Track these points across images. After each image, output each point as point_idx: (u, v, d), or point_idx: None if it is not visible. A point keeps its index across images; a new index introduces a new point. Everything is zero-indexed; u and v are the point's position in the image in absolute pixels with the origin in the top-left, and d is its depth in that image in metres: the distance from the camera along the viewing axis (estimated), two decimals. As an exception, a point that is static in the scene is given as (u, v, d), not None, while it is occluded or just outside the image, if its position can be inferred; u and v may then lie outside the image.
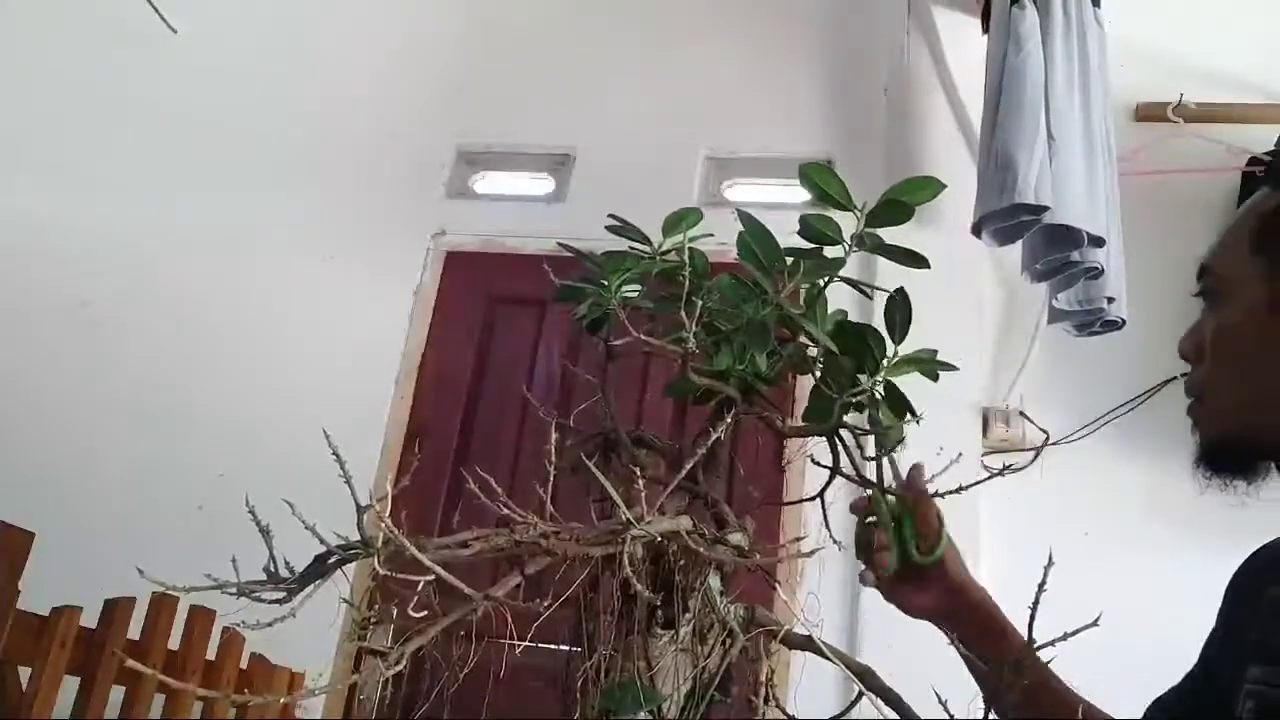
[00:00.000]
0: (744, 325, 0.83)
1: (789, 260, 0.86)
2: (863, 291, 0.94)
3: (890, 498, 0.94)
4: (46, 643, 1.43)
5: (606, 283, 0.82)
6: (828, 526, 0.94)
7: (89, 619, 1.54)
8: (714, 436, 0.78)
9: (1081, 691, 0.94)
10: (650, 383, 2.63)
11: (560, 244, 0.89)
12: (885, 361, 0.86)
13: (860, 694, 0.73)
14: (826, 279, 0.86)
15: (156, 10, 3.28)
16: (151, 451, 2.77)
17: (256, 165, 3.17)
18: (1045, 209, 2.21)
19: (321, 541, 0.58)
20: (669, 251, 0.83)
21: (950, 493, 0.89)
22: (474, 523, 0.69)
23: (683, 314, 0.75)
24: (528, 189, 3.13)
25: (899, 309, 0.88)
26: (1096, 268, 2.29)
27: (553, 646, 0.74)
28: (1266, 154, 2.62)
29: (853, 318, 0.94)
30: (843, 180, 0.83)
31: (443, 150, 3.17)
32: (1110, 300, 2.32)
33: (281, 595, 0.59)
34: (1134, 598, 2.28)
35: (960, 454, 0.94)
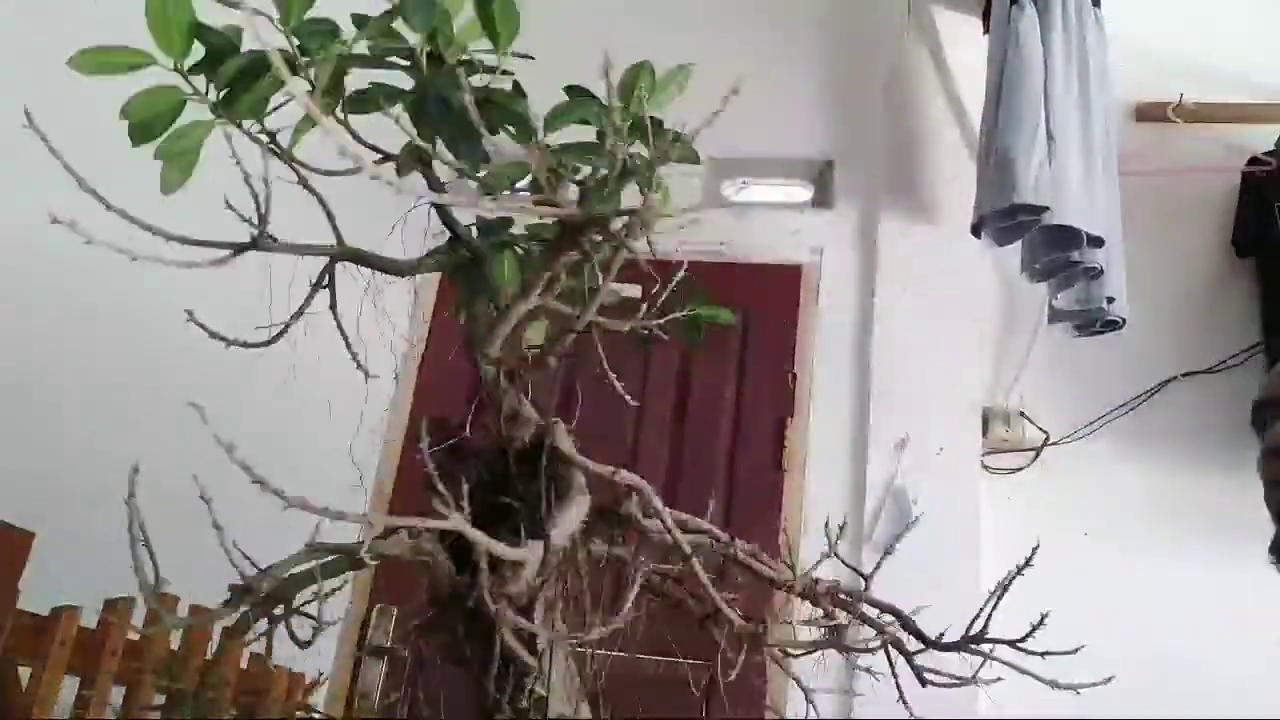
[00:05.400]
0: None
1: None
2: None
3: None
4: (46, 643, 1.43)
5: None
6: None
7: (89, 619, 1.54)
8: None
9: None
10: (650, 382, 2.62)
11: None
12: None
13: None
14: None
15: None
16: (152, 450, 2.77)
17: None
18: (1045, 209, 2.21)
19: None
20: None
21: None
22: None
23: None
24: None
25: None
26: (1096, 267, 2.29)
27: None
28: (1266, 154, 2.62)
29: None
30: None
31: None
32: (1110, 300, 2.32)
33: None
34: (1134, 597, 2.28)
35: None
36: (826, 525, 0.87)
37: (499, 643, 0.55)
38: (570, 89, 0.66)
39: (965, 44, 2.82)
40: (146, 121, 0.69)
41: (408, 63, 0.72)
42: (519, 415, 0.71)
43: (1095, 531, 2.40)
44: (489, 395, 0.73)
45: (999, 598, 0.76)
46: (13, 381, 2.94)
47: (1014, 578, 0.72)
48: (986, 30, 2.66)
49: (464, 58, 0.75)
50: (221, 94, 0.68)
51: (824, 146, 2.95)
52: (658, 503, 0.68)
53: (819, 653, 0.70)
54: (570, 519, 0.63)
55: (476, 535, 0.54)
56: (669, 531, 0.68)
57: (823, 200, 2.90)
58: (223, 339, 0.79)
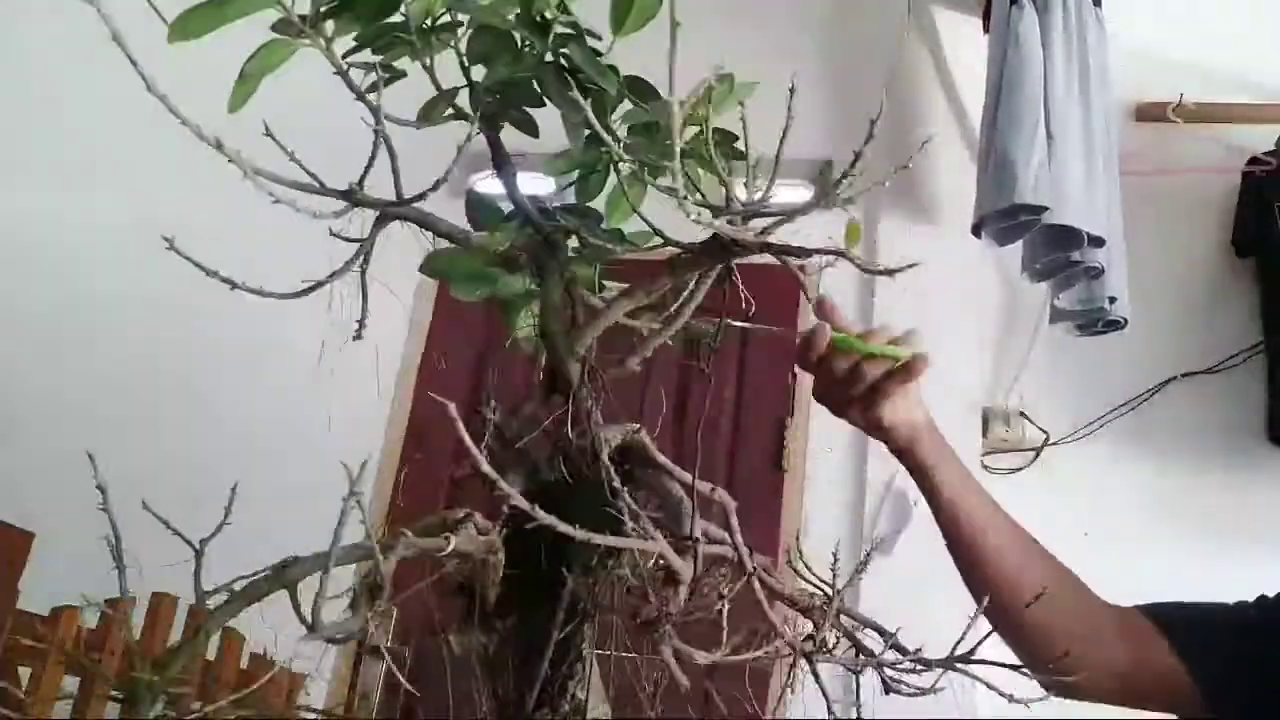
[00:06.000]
0: None
1: None
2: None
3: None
4: (46, 643, 1.43)
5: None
6: None
7: (89, 619, 1.54)
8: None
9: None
10: (650, 382, 2.62)
11: None
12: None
13: None
14: None
15: (156, 11, 3.27)
16: (151, 450, 2.77)
17: (255, 163, 3.17)
18: (1045, 209, 2.21)
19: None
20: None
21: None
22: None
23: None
24: (526, 188, 3.13)
25: None
26: (1097, 267, 2.29)
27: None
28: (1266, 154, 2.62)
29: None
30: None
31: (444, 149, 3.17)
32: (1112, 300, 2.32)
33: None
34: (1134, 598, 2.28)
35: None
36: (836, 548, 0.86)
37: (549, 651, 0.53)
38: (632, 80, 0.64)
39: (965, 44, 2.82)
40: (251, 76, 0.66)
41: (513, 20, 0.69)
42: (590, 418, 0.69)
43: (1095, 531, 2.40)
44: (566, 394, 0.71)
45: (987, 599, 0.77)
46: (13, 381, 2.94)
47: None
48: (986, 30, 2.67)
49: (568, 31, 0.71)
50: (324, 9, 0.64)
51: (824, 146, 2.94)
52: (734, 521, 0.67)
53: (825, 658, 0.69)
54: (688, 531, 0.61)
55: (665, 549, 0.52)
56: (736, 550, 0.66)
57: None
58: (257, 292, 0.71)
